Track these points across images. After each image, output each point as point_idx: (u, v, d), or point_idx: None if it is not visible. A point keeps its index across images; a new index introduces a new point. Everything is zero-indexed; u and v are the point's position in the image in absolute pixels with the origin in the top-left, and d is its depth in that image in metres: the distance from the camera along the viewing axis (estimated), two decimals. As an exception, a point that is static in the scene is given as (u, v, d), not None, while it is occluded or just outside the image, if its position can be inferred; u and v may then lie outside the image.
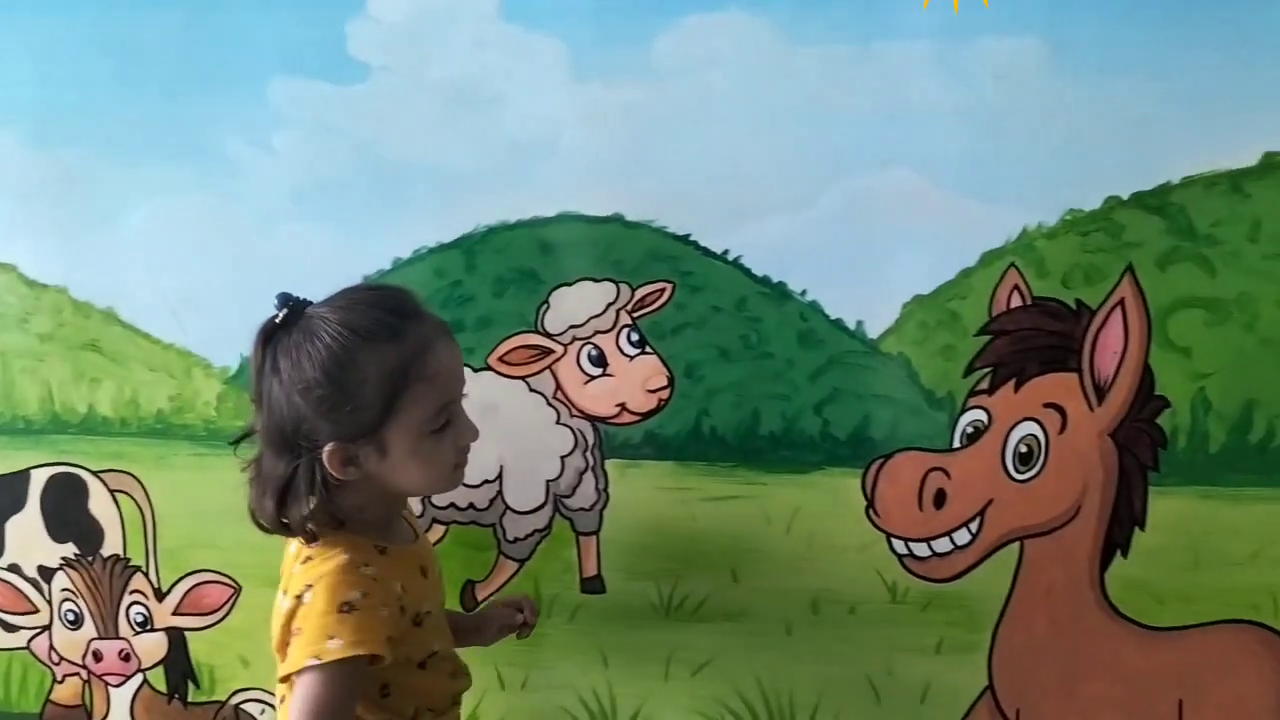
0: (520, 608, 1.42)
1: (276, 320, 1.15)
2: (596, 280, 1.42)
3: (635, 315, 1.42)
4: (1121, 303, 1.33)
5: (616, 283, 1.42)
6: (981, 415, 1.39)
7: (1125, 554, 1.38)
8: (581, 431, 1.46)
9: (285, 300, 1.16)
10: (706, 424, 1.44)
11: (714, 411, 1.43)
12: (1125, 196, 1.30)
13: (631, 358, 1.44)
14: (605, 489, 1.47)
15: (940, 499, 1.40)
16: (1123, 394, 1.35)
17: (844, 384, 1.41)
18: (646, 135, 1.35)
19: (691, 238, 1.39)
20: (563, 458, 1.47)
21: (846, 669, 1.46)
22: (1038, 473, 1.38)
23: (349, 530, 1.17)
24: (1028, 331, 1.36)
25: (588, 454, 1.47)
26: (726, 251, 1.39)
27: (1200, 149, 1.28)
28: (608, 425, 1.46)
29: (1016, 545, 1.40)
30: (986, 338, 1.36)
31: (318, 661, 1.10)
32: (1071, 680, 1.42)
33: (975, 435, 1.39)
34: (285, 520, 1.16)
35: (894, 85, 1.30)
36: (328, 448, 1.13)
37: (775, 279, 1.39)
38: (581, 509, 1.48)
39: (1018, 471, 1.39)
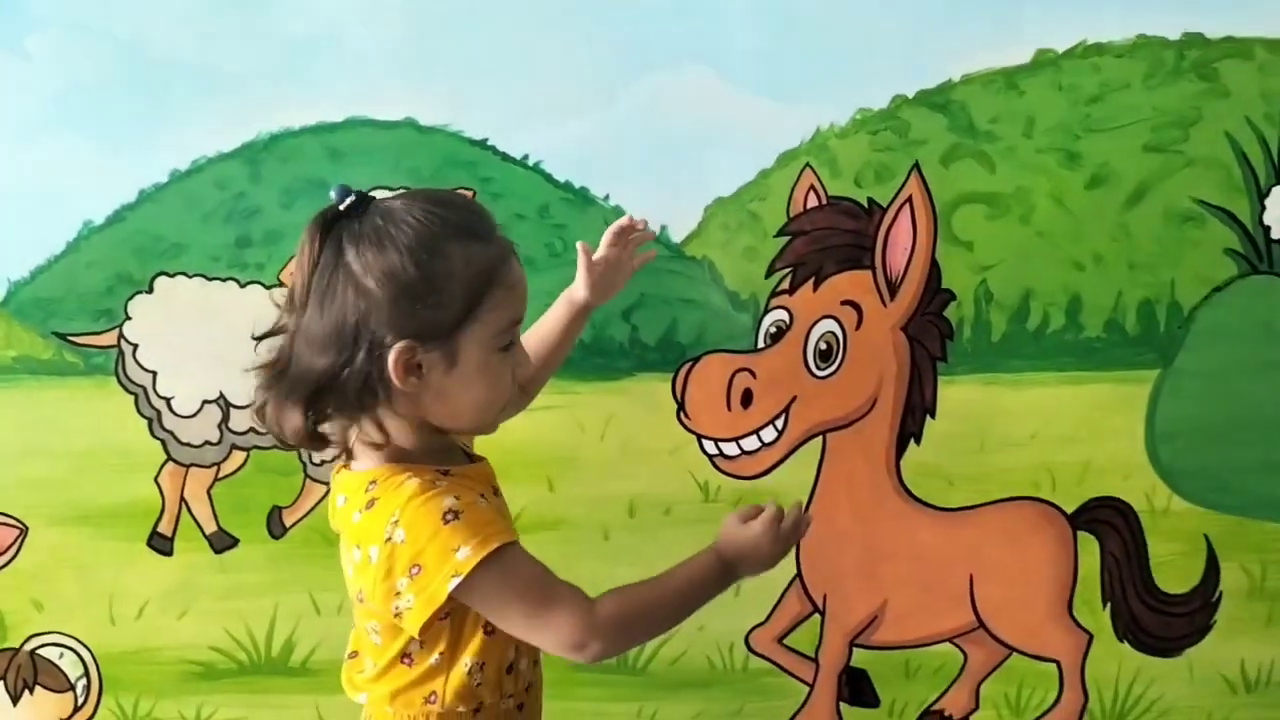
0: None
1: (340, 208, 1.01)
2: (392, 189, 1.37)
3: (435, 225, 1.38)
4: (909, 200, 1.38)
5: (414, 191, 1.37)
6: (783, 315, 1.42)
7: (919, 441, 1.46)
8: (386, 348, 1.42)
9: (345, 191, 1.02)
10: (515, 335, 1.42)
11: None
12: (911, 95, 1.34)
13: (434, 269, 1.40)
14: (414, 406, 1.44)
15: (747, 399, 1.43)
16: (912, 289, 1.41)
17: (651, 289, 1.41)
18: (433, 33, 1.30)
19: (489, 142, 1.36)
20: (367, 376, 1.43)
21: (664, 569, 1.49)
22: (837, 368, 1.43)
23: (398, 460, 1.04)
24: (824, 231, 1.39)
25: (393, 370, 1.43)
26: (526, 156, 1.36)
27: (978, 47, 1.33)
28: (413, 340, 1.42)
29: (820, 439, 1.46)
30: (786, 238, 1.40)
31: (460, 577, 0.98)
32: (872, 562, 1.50)
33: (778, 335, 1.42)
34: (319, 429, 1.02)
35: (688, -19, 1.30)
36: (397, 346, 0.98)
37: (577, 184, 1.37)
38: (390, 427, 1.45)
39: (819, 368, 1.43)
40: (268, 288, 1.39)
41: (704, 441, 1.45)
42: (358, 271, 0.98)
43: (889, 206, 1.38)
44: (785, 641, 1.53)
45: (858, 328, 1.42)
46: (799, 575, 1.50)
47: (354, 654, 1.13)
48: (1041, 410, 1.44)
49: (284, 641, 1.51)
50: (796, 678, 1.54)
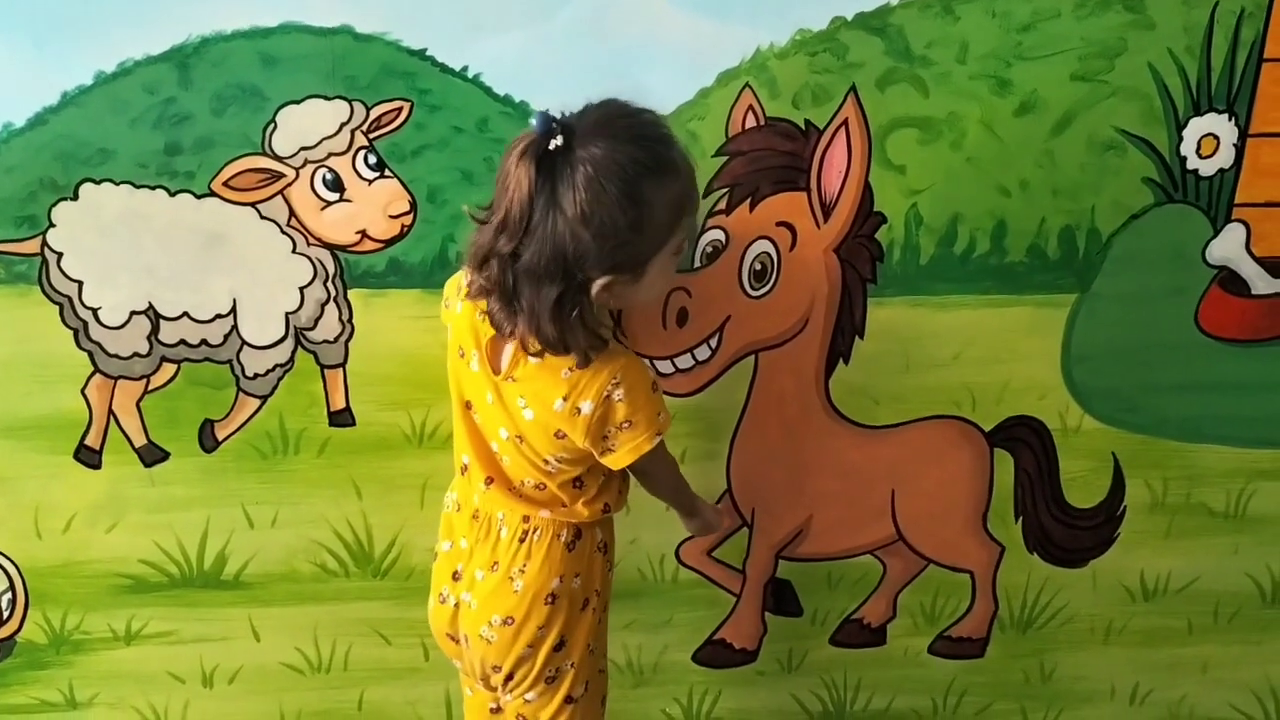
0: None
1: (550, 148, 1.10)
2: (328, 98, 1.34)
3: (372, 136, 1.36)
4: (845, 123, 1.40)
5: (350, 101, 1.34)
6: (719, 235, 1.44)
7: (847, 361, 1.50)
8: (320, 260, 1.40)
9: (549, 121, 1.11)
10: (452, 250, 1.41)
11: (460, 237, 1.40)
12: (850, 18, 1.35)
13: (370, 181, 1.38)
14: (349, 320, 1.43)
15: (683, 318, 1.45)
16: (846, 211, 1.43)
17: (588, 206, 1.42)
18: (371, -65, 1.27)
19: (428, 53, 1.33)
20: (301, 289, 1.41)
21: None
22: (770, 288, 1.46)
23: None
24: (761, 152, 1.41)
25: (328, 284, 1.41)
26: (465, 68, 1.34)
27: (917, -29, 1.35)
28: (348, 253, 1.41)
29: (751, 358, 1.49)
30: (724, 158, 1.41)
31: (660, 437, 1.25)
32: (799, 478, 1.55)
33: (714, 255, 1.44)
34: (565, 345, 1.17)
35: (629, -107, 1.28)
36: (601, 280, 1.14)
37: (517, 98, 1.36)
38: (325, 341, 1.44)
39: (753, 288, 1.46)
40: (199, 196, 1.36)
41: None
42: (573, 218, 1.10)
43: (825, 129, 1.39)
44: (714, 554, 1.58)
45: (792, 249, 1.44)
46: (728, 490, 1.55)
47: (490, 479, 1.30)
48: (964, 332, 1.49)
49: (216, 555, 1.51)
50: (724, 588, 1.59)
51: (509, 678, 1.32)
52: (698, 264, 1.44)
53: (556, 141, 1.10)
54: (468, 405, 1.29)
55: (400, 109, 1.35)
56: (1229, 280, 1.49)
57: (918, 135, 1.41)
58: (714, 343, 1.47)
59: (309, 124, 1.35)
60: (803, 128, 1.40)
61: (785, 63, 1.37)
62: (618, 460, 1.24)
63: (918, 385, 1.51)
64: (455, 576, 1.32)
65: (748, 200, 1.42)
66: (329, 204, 1.38)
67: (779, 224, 1.44)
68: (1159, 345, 1.51)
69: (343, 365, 1.45)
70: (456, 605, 1.32)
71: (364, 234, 1.40)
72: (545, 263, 1.12)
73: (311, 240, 1.40)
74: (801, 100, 1.39)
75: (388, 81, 1.34)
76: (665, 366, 1.47)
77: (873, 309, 1.48)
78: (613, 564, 1.37)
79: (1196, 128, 1.42)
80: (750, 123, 1.39)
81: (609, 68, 1.35)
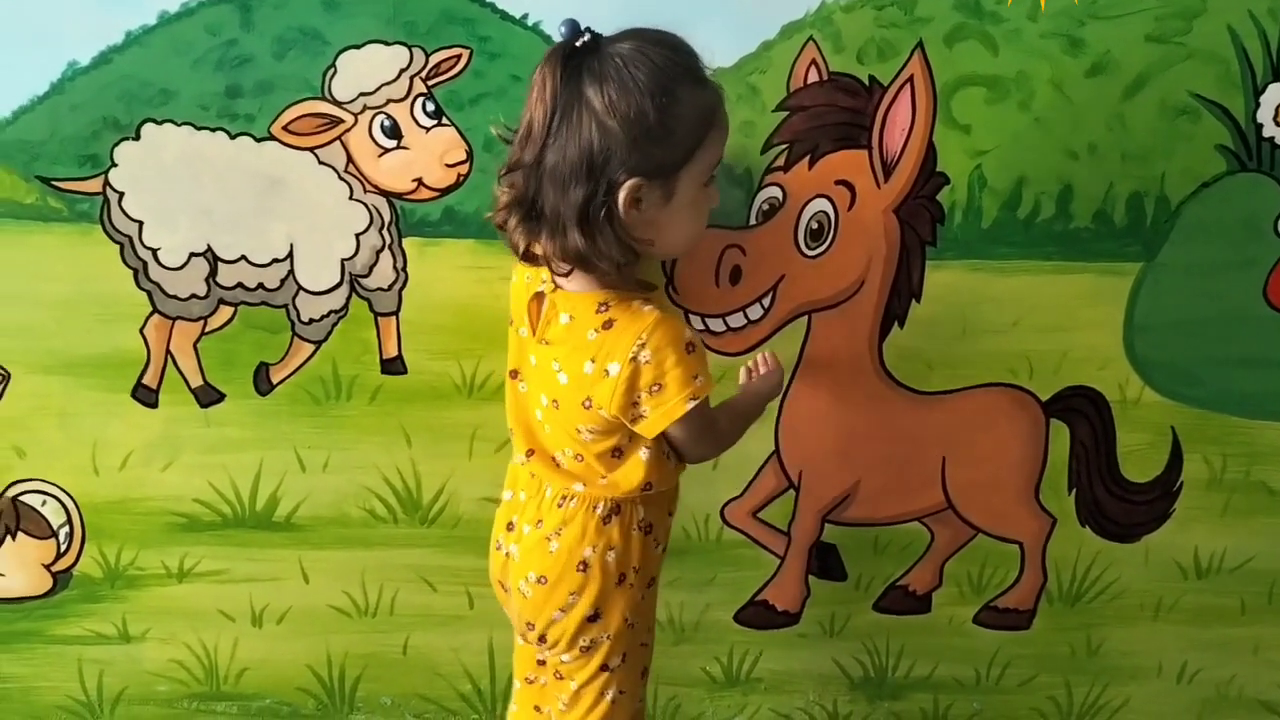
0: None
1: (576, 45, 1.09)
2: (388, 44, 1.34)
3: (430, 83, 1.35)
4: (910, 80, 1.37)
5: (409, 47, 1.34)
6: (777, 192, 1.42)
7: (902, 325, 1.47)
8: (376, 208, 1.40)
9: (576, 26, 1.11)
10: (507, 200, 1.41)
11: (515, 188, 1.41)
12: (920, -30, 1.33)
13: (428, 129, 1.37)
14: (404, 268, 1.43)
15: (736, 275, 1.44)
16: (907, 171, 1.41)
17: (645, 159, 1.40)
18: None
19: (489, -1, 1.33)
20: (357, 235, 1.41)
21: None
22: (827, 248, 1.44)
23: (612, 287, 1.18)
24: (822, 108, 1.38)
25: (384, 231, 1.41)
26: (526, 16, 1.33)
27: (990, -75, 1.31)
28: (404, 201, 1.41)
29: (805, 318, 1.47)
30: (784, 114, 1.38)
31: (696, 401, 1.17)
32: (849, 442, 1.53)
33: (770, 212, 1.43)
34: (593, 253, 1.12)
35: None
36: (629, 182, 1.09)
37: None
38: (379, 289, 1.44)
39: (809, 248, 1.44)
40: (258, 140, 1.36)
41: (691, 317, 1.46)
42: (600, 110, 1.07)
43: (889, 85, 1.36)
44: (759, 515, 1.58)
45: (850, 208, 1.42)
46: (776, 451, 1.53)
47: (531, 451, 1.28)
48: (1025, 299, 1.46)
49: (268, 497, 1.53)
50: (769, 550, 1.59)
51: (541, 638, 1.31)
52: (754, 221, 1.42)
53: (584, 39, 1.09)
54: (514, 374, 1.29)
55: (459, 56, 1.35)
56: (1302, 253, 1.45)
57: (985, 94, 1.38)
58: (767, 302, 1.46)
59: (368, 69, 1.35)
60: (866, 84, 1.37)
61: (851, 16, 1.34)
62: (650, 427, 1.18)
63: (974, 351, 1.49)
64: (509, 527, 1.32)
65: (807, 157, 1.40)
66: (386, 151, 1.38)
67: (838, 182, 1.41)
68: (1225, 318, 1.47)
69: (396, 313, 1.45)
70: (507, 555, 1.33)
71: (420, 182, 1.40)
72: (571, 163, 1.09)
73: (368, 187, 1.40)
74: (866, 55, 1.36)
75: (447, 28, 1.34)
76: (717, 325, 1.46)
77: (931, 272, 1.45)
78: (661, 544, 1.32)
79: (1275, 94, 1.37)
80: (813, 77, 1.37)
81: (671, 16, 1.29)
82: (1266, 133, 1.39)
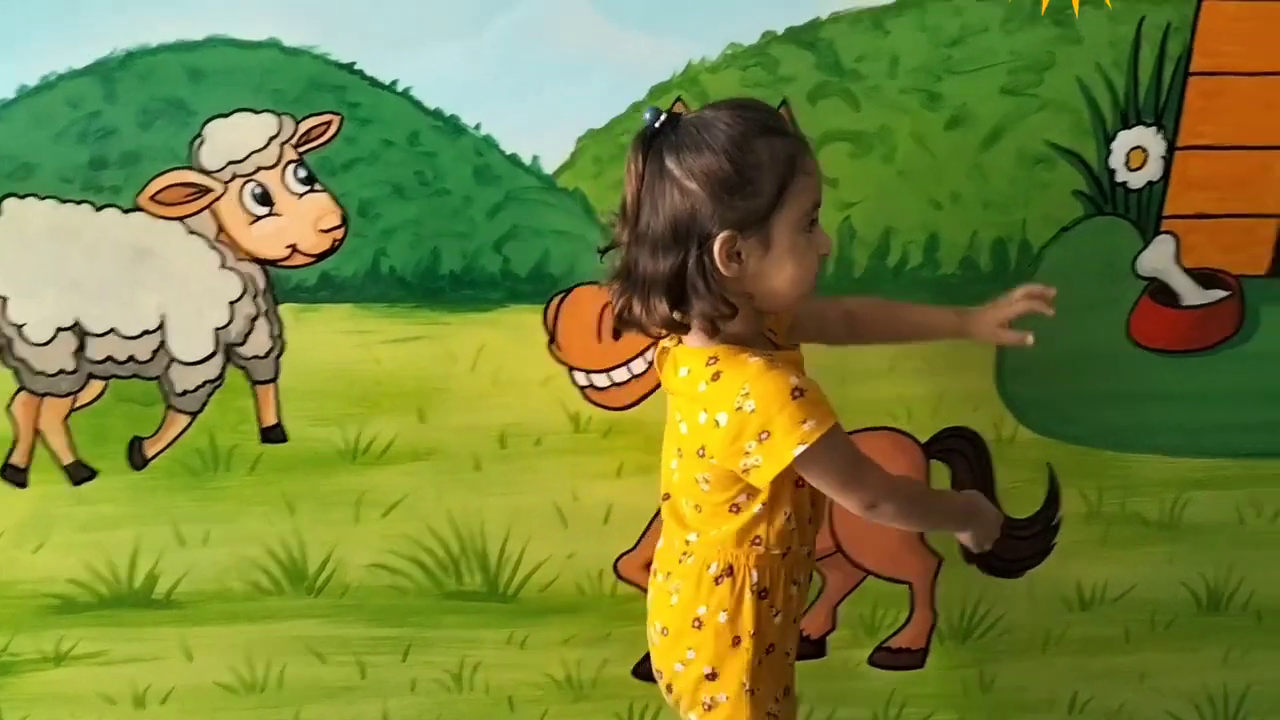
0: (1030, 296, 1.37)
1: (656, 126, 1.15)
2: (256, 112, 1.33)
3: (301, 150, 1.35)
4: (778, 136, 1.40)
5: (278, 114, 1.33)
6: (654, 247, 1.44)
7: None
8: (250, 275, 1.39)
9: (658, 112, 1.16)
10: (385, 264, 1.40)
11: (392, 251, 1.40)
12: (780, 31, 1.36)
13: (300, 195, 1.37)
14: (280, 335, 1.42)
15: (618, 331, 1.45)
16: (780, 224, 1.44)
17: (523, 220, 1.41)
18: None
19: (357, 66, 1.32)
20: (231, 304, 1.39)
21: (534, 498, 1.52)
22: (706, 301, 1.46)
23: (729, 342, 1.20)
24: (695, 164, 1.41)
25: (258, 299, 1.40)
26: (395, 82, 1.34)
27: (846, -14, 1.36)
28: (278, 268, 1.39)
29: (688, 371, 1.49)
30: (657, 172, 1.41)
31: (805, 446, 1.15)
32: (739, 492, 1.55)
33: (648, 267, 1.44)
34: (680, 317, 1.17)
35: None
36: (720, 236, 1.13)
37: (448, 112, 1.35)
38: (256, 357, 1.42)
39: (688, 301, 1.46)
40: (125, 211, 1.34)
41: (575, 373, 1.47)
42: (679, 175, 1.13)
43: (758, 142, 1.40)
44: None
45: (727, 262, 1.45)
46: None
47: (666, 495, 1.31)
48: (899, 344, 1.50)
49: (147, 574, 1.49)
50: (664, 602, 1.59)
51: (669, 687, 1.33)
52: (633, 277, 1.44)
53: (662, 118, 1.15)
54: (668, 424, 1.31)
55: (330, 123, 1.34)
56: (1159, 292, 1.50)
57: (849, 148, 1.42)
58: (650, 355, 1.47)
59: (236, 138, 1.34)
60: (736, 141, 1.40)
61: (717, 76, 1.37)
62: (761, 475, 1.18)
63: (853, 397, 1.51)
64: (650, 569, 1.36)
65: (682, 214, 1.43)
66: (258, 218, 1.37)
67: (714, 237, 1.44)
68: (1091, 356, 1.53)
69: (274, 381, 1.43)
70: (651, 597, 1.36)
71: (294, 248, 1.39)
72: (661, 231, 1.14)
73: (240, 255, 1.38)
74: (734, 114, 1.40)
75: (317, 95, 1.34)
76: (601, 380, 1.47)
77: (809, 321, 1.48)
78: (780, 611, 1.27)
79: (1125, 141, 1.44)
80: (683, 136, 1.40)
81: (539, 80, 1.35)
82: (1119, 177, 1.45)
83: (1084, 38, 1.39)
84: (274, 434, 1.45)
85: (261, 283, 1.39)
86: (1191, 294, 1.51)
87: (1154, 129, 1.43)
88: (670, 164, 1.13)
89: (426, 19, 1.31)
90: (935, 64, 1.39)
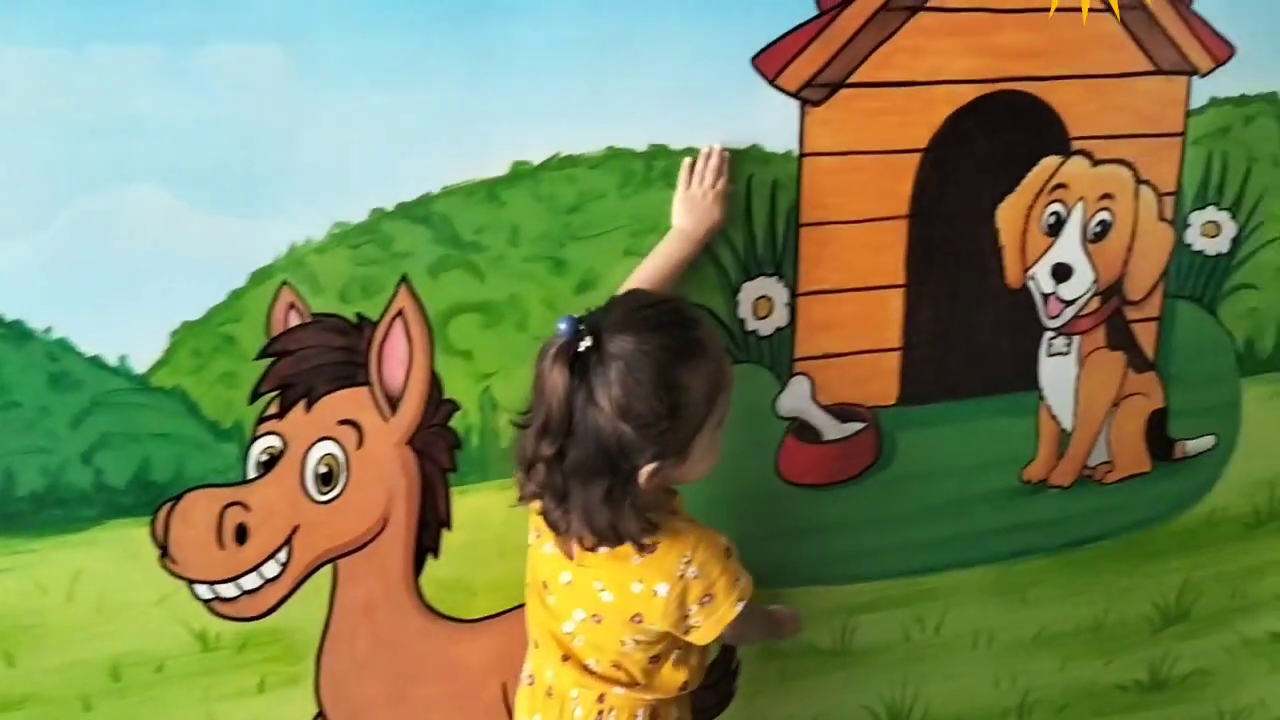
0: None
1: (579, 350, 1.14)
2: None
3: None
4: (401, 313, 1.33)
5: None
6: (275, 441, 1.32)
7: (437, 555, 1.41)
8: None
9: (575, 324, 1.16)
10: (-50, 492, 1.21)
11: (-43, 478, 1.22)
12: (390, 208, 1.30)
13: None
14: None
15: (242, 534, 1.32)
16: (414, 402, 1.36)
17: (114, 426, 1.26)
18: None
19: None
20: None
21: (164, 729, 1.34)
22: (341, 491, 1.35)
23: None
24: (311, 350, 1.31)
25: None
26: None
27: (456, 159, 1.31)
28: None
29: (330, 567, 1.37)
30: (269, 360, 1.30)
31: (744, 602, 1.26)
32: (401, 687, 1.43)
33: (271, 462, 1.32)
34: (619, 535, 1.20)
35: (120, 93, 1.16)
36: (647, 468, 1.17)
37: (10, 316, 1.19)
38: None
39: (320, 492, 1.34)
40: None
41: (197, 586, 1.32)
42: (609, 411, 1.14)
43: (379, 321, 1.32)
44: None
45: (360, 446, 1.35)
46: (320, 713, 1.40)
47: (565, 657, 1.30)
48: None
49: None
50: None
51: None
52: (253, 474, 1.31)
53: (586, 343, 1.15)
54: (544, 585, 1.30)
55: None
56: (801, 430, 1.54)
57: (480, 319, 1.37)
58: (283, 557, 1.34)
59: None
60: (355, 321, 1.32)
61: (325, 257, 1.29)
62: (703, 635, 1.27)
63: (516, 570, 1.44)
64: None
65: (303, 400, 1.32)
66: None
67: (342, 422, 1.34)
68: (747, 498, 1.53)
69: None
70: None
71: None
72: (591, 459, 1.16)
73: None
74: (350, 294, 1.31)
75: None
76: (229, 590, 1.32)
77: (458, 498, 1.40)
78: None
79: (750, 291, 1.47)
80: (294, 320, 1.30)
81: (120, 275, 1.21)
82: (749, 326, 1.48)
83: (697, 198, 1.42)
84: None
85: None
86: (831, 429, 1.55)
87: (775, 278, 1.47)
88: (599, 396, 1.14)
89: (-25, 217, 1.16)
90: (556, 231, 1.36)
